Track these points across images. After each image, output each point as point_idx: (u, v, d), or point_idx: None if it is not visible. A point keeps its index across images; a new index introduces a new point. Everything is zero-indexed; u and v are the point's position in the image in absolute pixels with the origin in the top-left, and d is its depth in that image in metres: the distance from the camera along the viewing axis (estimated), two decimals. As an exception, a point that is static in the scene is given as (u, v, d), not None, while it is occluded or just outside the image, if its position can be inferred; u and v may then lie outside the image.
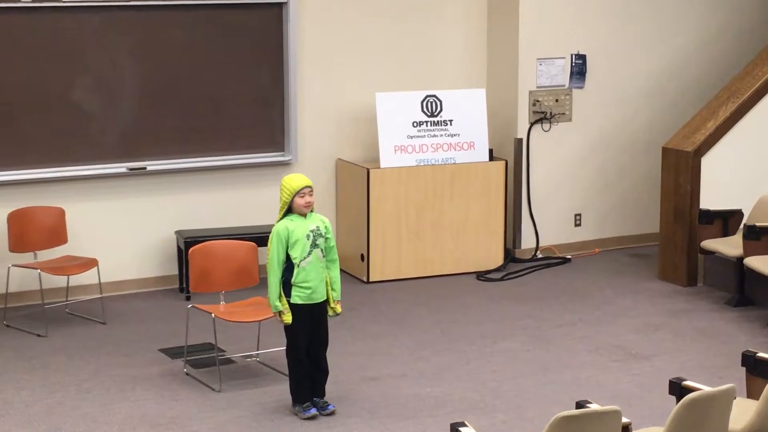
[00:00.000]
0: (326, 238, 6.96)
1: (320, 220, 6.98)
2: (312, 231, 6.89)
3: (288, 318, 6.88)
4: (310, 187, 6.90)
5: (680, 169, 9.73)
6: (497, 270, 10.22)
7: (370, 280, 9.87)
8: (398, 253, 9.93)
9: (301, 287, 6.88)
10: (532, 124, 10.54)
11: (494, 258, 10.26)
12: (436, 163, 10.02)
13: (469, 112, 10.10)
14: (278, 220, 6.93)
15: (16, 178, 9.09)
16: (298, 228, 6.87)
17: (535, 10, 10.37)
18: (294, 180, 6.90)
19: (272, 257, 6.86)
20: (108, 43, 9.27)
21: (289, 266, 6.88)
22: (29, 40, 9.02)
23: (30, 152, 9.13)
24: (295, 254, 6.86)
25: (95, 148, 9.32)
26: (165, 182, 9.63)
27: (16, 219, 8.84)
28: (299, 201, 6.86)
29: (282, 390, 7.23)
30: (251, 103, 9.80)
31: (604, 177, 10.91)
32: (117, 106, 9.37)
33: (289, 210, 6.90)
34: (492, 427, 6.81)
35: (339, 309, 7.06)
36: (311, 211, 6.95)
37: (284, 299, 6.89)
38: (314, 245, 6.89)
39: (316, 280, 6.92)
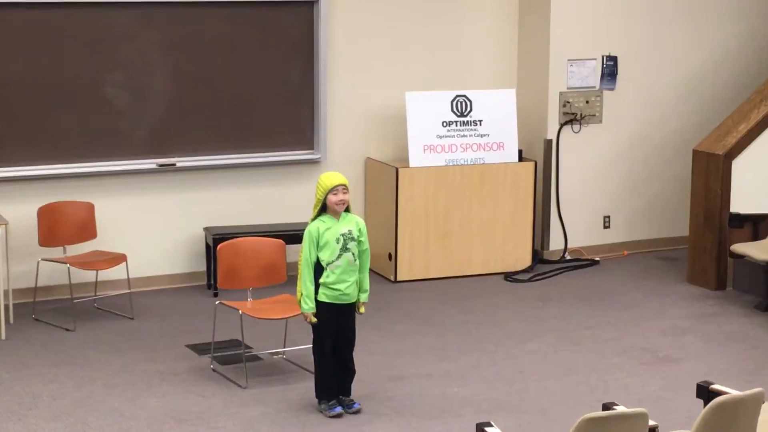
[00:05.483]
0: (359, 242, 6.94)
1: (355, 223, 6.94)
2: (343, 235, 6.86)
3: (313, 319, 6.89)
4: (344, 185, 6.87)
5: (711, 172, 9.69)
6: (525, 271, 10.20)
7: (398, 279, 9.87)
8: (426, 253, 9.92)
9: (330, 288, 6.88)
10: (562, 125, 10.51)
11: (522, 259, 10.24)
12: (466, 163, 10.00)
13: (499, 113, 10.08)
14: (312, 219, 6.93)
15: (46, 172, 9.14)
16: (329, 230, 6.85)
17: (566, 10, 10.34)
18: (329, 178, 6.89)
19: (305, 258, 6.85)
20: (139, 40, 9.31)
21: (319, 266, 6.88)
22: (60, 36, 9.06)
23: (60, 147, 9.17)
24: (323, 257, 6.85)
25: (125, 144, 9.36)
26: (194, 179, 9.66)
27: (46, 213, 8.89)
28: (332, 198, 6.84)
29: (308, 387, 7.24)
30: (281, 101, 9.81)
31: (633, 179, 10.87)
32: (147, 102, 9.41)
33: (323, 208, 6.90)
34: (518, 427, 6.80)
35: (362, 310, 7.05)
36: (347, 211, 6.94)
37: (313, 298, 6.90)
38: (345, 249, 6.87)
39: (346, 284, 6.89)
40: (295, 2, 9.74)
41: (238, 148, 9.72)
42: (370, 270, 9.18)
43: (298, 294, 6.94)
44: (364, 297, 7.02)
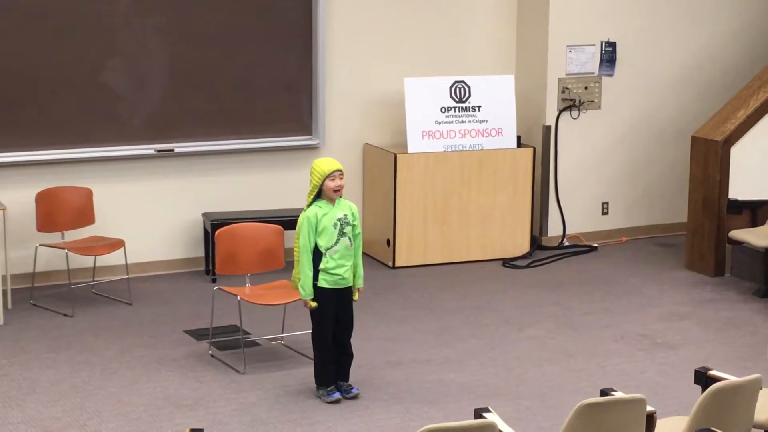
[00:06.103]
0: (353, 226, 6.95)
1: (348, 207, 6.96)
2: (339, 220, 6.88)
3: (313, 304, 6.89)
4: (340, 170, 6.88)
5: (709, 158, 9.68)
6: (523, 257, 10.20)
7: (396, 265, 9.87)
8: (424, 239, 9.92)
9: (330, 273, 6.88)
10: (560, 112, 10.50)
11: (520, 245, 10.24)
12: (464, 149, 10.00)
13: (497, 99, 10.07)
14: (307, 205, 6.92)
15: (44, 158, 9.13)
16: (326, 216, 6.86)
17: (565, -4, 10.35)
18: (325, 163, 6.89)
19: (303, 244, 6.85)
20: (138, 25, 9.29)
21: (317, 252, 6.88)
22: (59, 21, 9.04)
23: (59, 133, 9.16)
24: (322, 242, 6.85)
25: (124, 130, 9.35)
26: (192, 164, 9.65)
27: (44, 199, 8.88)
28: (329, 184, 6.84)
29: (306, 373, 7.25)
30: (279, 86, 9.80)
31: (632, 165, 10.87)
32: (146, 87, 9.39)
33: (318, 194, 6.90)
34: (516, 413, 6.80)
35: (356, 296, 7.06)
36: (340, 197, 6.94)
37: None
38: (342, 234, 6.88)
39: (345, 268, 6.91)
40: (293, -13, 9.74)
41: (237, 133, 9.71)
42: (369, 256, 9.23)
43: (294, 280, 6.95)
44: (360, 282, 7.03)
